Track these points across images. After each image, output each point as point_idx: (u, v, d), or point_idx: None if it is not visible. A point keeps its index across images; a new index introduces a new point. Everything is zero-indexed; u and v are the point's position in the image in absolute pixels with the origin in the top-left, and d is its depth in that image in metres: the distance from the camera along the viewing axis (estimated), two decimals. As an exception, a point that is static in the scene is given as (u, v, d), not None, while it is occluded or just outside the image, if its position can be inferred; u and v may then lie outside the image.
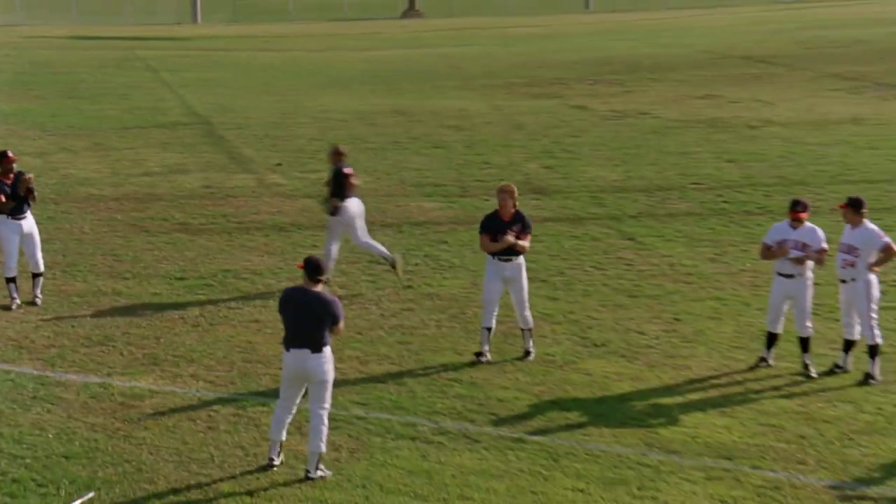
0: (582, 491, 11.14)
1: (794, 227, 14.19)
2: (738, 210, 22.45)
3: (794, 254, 14.04)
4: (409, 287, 17.69)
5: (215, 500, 10.95)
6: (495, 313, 14.77)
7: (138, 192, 24.48)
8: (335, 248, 18.16)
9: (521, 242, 14.58)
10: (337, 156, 18.47)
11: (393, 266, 17.97)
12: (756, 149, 28.64)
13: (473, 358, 14.67)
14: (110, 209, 22.92)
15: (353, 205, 18.00)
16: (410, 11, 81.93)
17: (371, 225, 21.35)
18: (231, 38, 64.82)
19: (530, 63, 49.00)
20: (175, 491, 11.06)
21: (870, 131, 30.70)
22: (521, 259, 14.71)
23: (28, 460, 11.54)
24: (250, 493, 11.19)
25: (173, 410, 13.11)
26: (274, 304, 13.98)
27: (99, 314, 16.51)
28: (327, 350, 11.51)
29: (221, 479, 11.47)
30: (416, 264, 18.92)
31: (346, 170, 18.13)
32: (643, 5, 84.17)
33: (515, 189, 14.91)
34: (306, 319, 11.45)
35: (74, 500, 10.74)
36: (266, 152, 29.09)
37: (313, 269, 11.52)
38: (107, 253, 19.70)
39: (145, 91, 41.33)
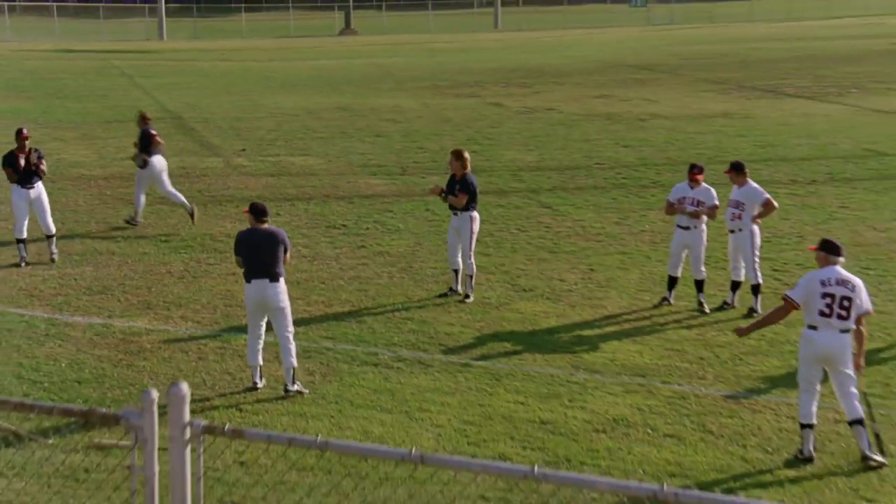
0: (522, 403, 11.18)
1: (692, 187, 14.33)
2: (635, 184, 22.57)
3: (690, 209, 14.20)
4: (363, 247, 17.57)
5: (209, 413, 10.83)
6: (457, 257, 14.79)
7: (123, 172, 23.97)
8: (143, 198, 18.88)
9: (451, 198, 14.58)
10: (144, 121, 19.27)
11: (191, 215, 18.29)
12: (645, 136, 28.78)
13: (424, 300, 14.67)
14: (100, 186, 22.50)
15: (158, 161, 18.62)
16: (347, 30, 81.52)
17: (326, 198, 21.34)
18: (193, 51, 63.79)
19: (451, 70, 48.83)
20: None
21: (737, 123, 30.99)
22: (467, 213, 14.64)
23: (46, 384, 11.34)
24: (239, 409, 11.10)
25: (167, 344, 12.94)
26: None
27: (97, 269, 16.19)
28: (282, 281, 11.55)
29: (213, 398, 11.38)
30: (367, 228, 18.78)
31: (152, 131, 18.85)
32: (543, 26, 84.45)
33: (462, 153, 14.89)
34: (262, 252, 11.50)
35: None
36: (231, 140, 28.66)
37: (258, 211, 11.71)
38: (100, 221, 19.33)
39: (122, 92, 40.50)
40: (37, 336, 13.06)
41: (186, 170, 24.33)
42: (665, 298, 14.53)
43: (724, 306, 14.34)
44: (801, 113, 33.06)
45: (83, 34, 74.77)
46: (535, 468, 4.25)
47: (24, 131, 16.34)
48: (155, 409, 4.82)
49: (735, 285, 14.38)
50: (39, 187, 16.36)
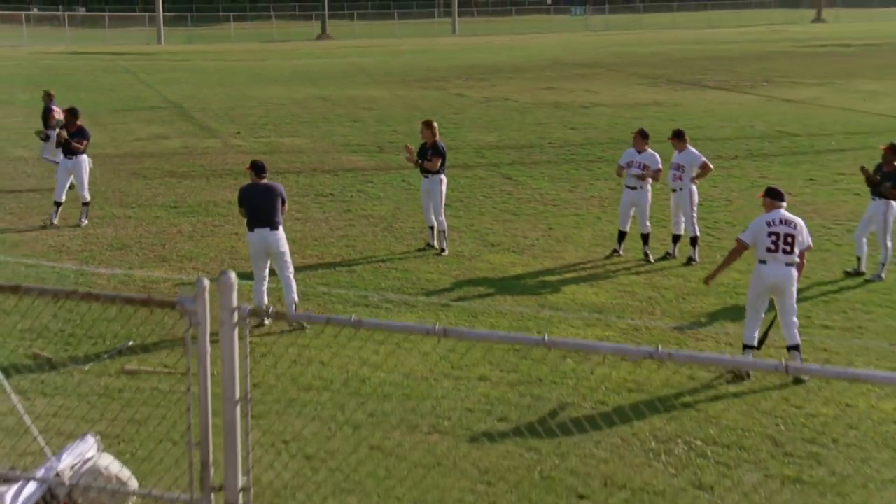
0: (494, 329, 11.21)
1: (640, 152, 14.37)
2: (583, 159, 22.57)
3: (635, 171, 14.23)
4: (349, 211, 17.46)
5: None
6: (431, 215, 14.71)
7: (133, 151, 23.73)
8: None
9: (427, 162, 14.53)
10: (48, 97, 19.78)
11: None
12: (589, 121, 28.80)
13: (405, 253, 14.62)
14: (114, 163, 22.10)
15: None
16: (323, 35, 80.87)
17: (313, 171, 21.18)
18: (189, 53, 62.99)
19: (417, 67, 48.59)
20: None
21: (668, 109, 31.07)
22: (437, 176, 14.57)
23: (77, 321, 11.15)
24: (250, 342, 10.99)
25: (182, 288, 12.79)
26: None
27: (116, 230, 15.97)
28: (281, 229, 11.51)
29: (227, 334, 11.27)
30: (351, 196, 18.67)
31: (54, 108, 19.08)
32: (495, 32, 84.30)
33: (432, 122, 14.81)
34: (263, 204, 11.43)
35: (116, 347, 10.46)
36: (227, 125, 28.33)
37: (258, 167, 11.73)
38: (115, 191, 19.04)
39: (128, 86, 39.94)
40: (67, 284, 12.86)
41: (189, 149, 24.09)
42: (615, 250, 14.57)
43: (666, 256, 14.41)
44: (721, 101, 33.24)
45: (90, 40, 73.68)
46: (546, 336, 4.23)
47: (77, 110, 16.59)
48: (206, 295, 4.79)
49: (676, 238, 14.44)
50: (79, 159, 16.26)
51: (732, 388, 9.67)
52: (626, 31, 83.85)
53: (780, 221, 9.92)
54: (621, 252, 14.51)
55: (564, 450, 8.30)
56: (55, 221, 16.09)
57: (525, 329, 11.40)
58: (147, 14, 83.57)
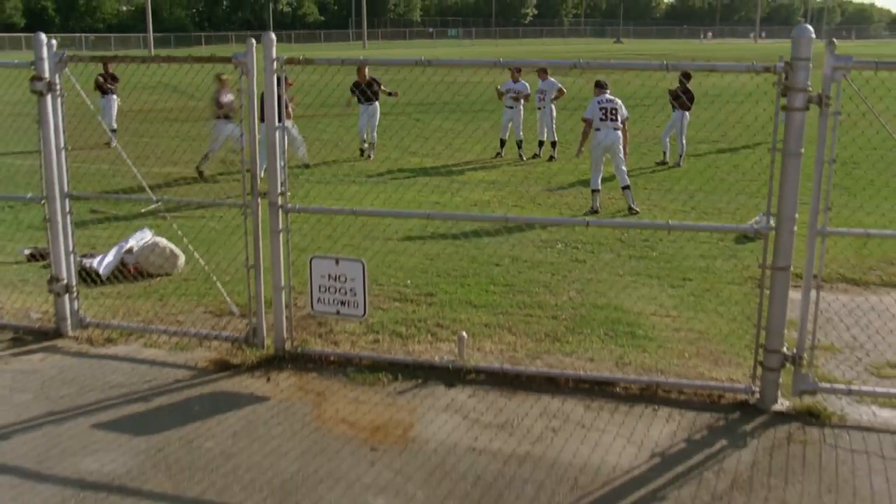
0: (422, 193, 11.22)
1: (515, 82, 14.61)
2: (469, 110, 22.79)
3: (509, 89, 14.47)
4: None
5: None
6: (365, 132, 14.64)
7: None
8: None
9: (380, 92, 14.50)
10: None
11: None
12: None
13: (349, 160, 14.58)
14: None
15: None
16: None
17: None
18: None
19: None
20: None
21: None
22: (375, 102, 14.57)
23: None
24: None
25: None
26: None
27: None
28: None
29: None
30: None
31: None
32: (396, 53, 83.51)
33: (362, 67, 14.74)
34: None
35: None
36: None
37: None
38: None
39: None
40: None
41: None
42: (498, 153, 14.84)
43: (534, 156, 14.75)
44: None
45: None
46: (507, 215, 4.41)
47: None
48: (254, 50, 4.79)
49: (541, 143, 14.81)
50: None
51: (589, 218, 10.07)
52: (483, 45, 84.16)
53: (607, 101, 10.40)
54: (503, 154, 14.81)
55: (482, 244, 8.56)
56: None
57: (443, 192, 11.52)
58: (141, 35, 79.36)
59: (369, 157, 14.56)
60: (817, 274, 4.57)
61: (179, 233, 6.91)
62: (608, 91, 10.60)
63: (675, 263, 7.99)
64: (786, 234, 4.53)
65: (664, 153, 14.13)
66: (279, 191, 5.11)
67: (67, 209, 5.69)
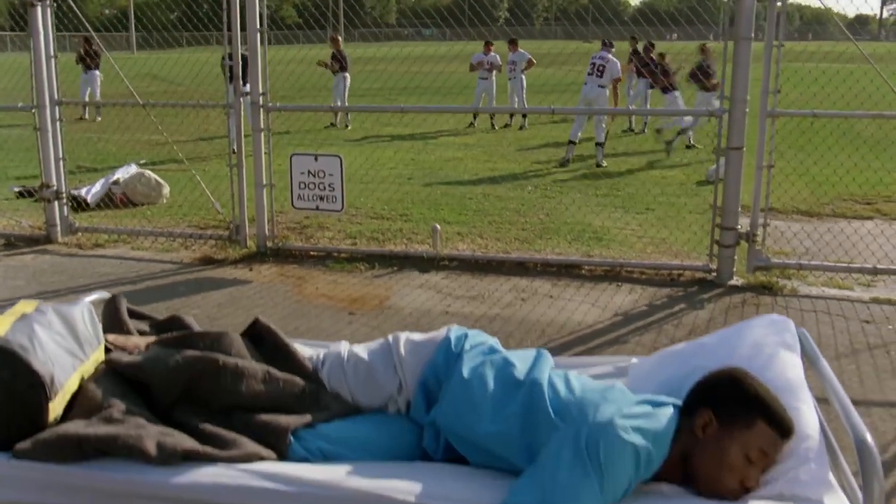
0: (399, 151, 11.43)
1: (486, 54, 14.79)
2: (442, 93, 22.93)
3: (483, 60, 14.67)
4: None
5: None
6: (338, 102, 14.76)
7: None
8: None
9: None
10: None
11: None
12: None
13: (329, 127, 14.67)
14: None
15: None
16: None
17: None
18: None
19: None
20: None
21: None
22: (345, 72, 14.74)
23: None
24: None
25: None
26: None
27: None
28: None
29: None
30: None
31: None
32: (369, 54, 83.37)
33: (336, 37, 14.93)
34: None
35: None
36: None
37: None
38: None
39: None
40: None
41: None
42: (471, 123, 15.02)
43: (505, 127, 14.87)
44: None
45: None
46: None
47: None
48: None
49: (511, 114, 15.01)
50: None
51: (562, 170, 10.28)
52: (458, 45, 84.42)
53: (598, 57, 10.60)
54: (475, 125, 14.97)
55: (455, 187, 8.72)
56: None
57: (419, 151, 11.69)
58: (125, 34, 78.99)
59: (346, 125, 14.68)
60: (770, 152, 4.80)
61: (180, 154, 7.00)
62: (610, 50, 10.77)
63: (640, 198, 8.22)
64: (738, 114, 4.76)
65: (629, 120, 14.42)
66: (261, 91, 5.25)
67: (57, 116, 5.77)
